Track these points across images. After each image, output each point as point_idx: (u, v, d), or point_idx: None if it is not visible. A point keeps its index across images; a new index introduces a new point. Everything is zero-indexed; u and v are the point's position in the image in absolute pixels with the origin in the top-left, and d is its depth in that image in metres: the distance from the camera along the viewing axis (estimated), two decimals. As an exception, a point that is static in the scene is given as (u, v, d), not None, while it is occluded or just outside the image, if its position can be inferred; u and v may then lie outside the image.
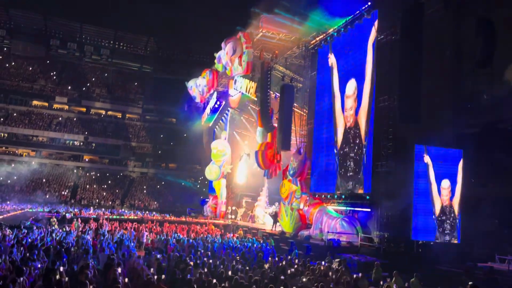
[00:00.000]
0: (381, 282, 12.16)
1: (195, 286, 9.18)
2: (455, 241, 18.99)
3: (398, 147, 18.99)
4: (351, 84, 22.45)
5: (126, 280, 9.52)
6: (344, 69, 23.45)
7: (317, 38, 26.25)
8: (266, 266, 13.30)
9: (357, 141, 21.54)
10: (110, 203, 48.65)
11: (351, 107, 22.34)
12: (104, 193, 51.10)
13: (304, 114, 28.00)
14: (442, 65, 20.36)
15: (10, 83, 58.81)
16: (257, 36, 27.91)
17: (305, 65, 27.82)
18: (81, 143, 57.78)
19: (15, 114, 56.42)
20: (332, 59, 24.55)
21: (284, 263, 13.90)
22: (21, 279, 8.18)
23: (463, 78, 20.78)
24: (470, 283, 6.94)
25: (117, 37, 65.86)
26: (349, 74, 22.85)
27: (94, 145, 58.32)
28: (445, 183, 19.03)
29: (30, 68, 62.22)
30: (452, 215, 19.05)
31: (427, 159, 18.85)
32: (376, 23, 20.74)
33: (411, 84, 17.91)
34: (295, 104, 27.32)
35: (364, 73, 21.41)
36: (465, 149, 19.23)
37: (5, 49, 63.13)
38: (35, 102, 59.28)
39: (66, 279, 9.05)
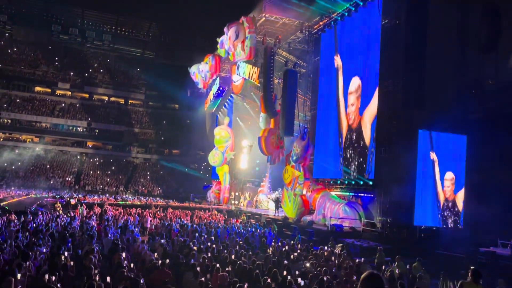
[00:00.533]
0: (384, 267, 12.24)
1: (199, 270, 9.26)
2: (458, 226, 19.09)
3: (402, 132, 18.91)
4: (355, 81, 22.29)
5: (132, 265, 9.61)
6: (348, 61, 23.27)
7: (321, 23, 25.98)
8: (269, 251, 13.40)
9: (361, 144, 21.48)
10: (114, 189, 48.96)
11: (353, 103, 22.21)
12: (108, 179, 51.37)
13: (308, 99, 27.87)
14: (447, 49, 20.16)
15: (13, 68, 58.73)
16: (260, 21, 27.62)
17: (309, 50, 27.58)
18: (84, 129, 57.90)
19: (18, 100, 56.45)
20: (338, 61, 24.31)
21: (287, 248, 13.99)
22: (27, 263, 8.27)
23: (468, 63, 20.58)
24: (472, 267, 6.94)
25: (119, 23, 65.41)
26: (353, 71, 22.72)
27: (97, 131, 58.43)
28: (449, 175, 19.02)
29: (32, 54, 62.06)
30: (456, 209, 19.06)
31: (433, 156, 18.79)
32: (380, 7, 20.45)
33: (416, 68, 17.77)
34: (298, 90, 27.16)
35: (366, 68, 21.22)
36: (470, 135, 19.17)
37: (7, 34, 62.89)
38: (37, 88, 59.27)
39: (72, 263, 9.15)
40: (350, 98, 22.57)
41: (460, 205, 19.17)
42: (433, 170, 18.80)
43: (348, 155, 22.50)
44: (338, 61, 24.30)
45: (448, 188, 19.02)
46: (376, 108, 20.31)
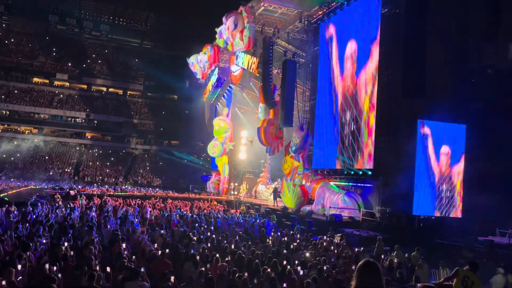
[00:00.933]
0: (383, 256, 12.31)
1: (199, 260, 9.30)
2: (456, 215, 19.18)
3: (401, 122, 18.90)
4: (351, 45, 22.17)
5: (134, 258, 9.63)
6: (345, 40, 23.18)
7: (320, 12, 25.80)
8: (269, 241, 13.44)
9: (358, 110, 21.32)
10: (114, 180, 48.98)
11: (349, 68, 22.08)
12: (107, 170, 51.39)
13: (307, 89, 27.78)
14: (447, 38, 20.04)
15: (10, 59, 58.39)
16: (259, 10, 27.43)
17: (308, 39, 27.41)
18: (83, 120, 57.77)
19: (16, 91, 56.21)
20: (331, 30, 24.30)
21: (286, 238, 14.04)
22: (27, 253, 8.29)
23: (468, 51, 20.48)
24: (470, 261, 7.02)
25: (117, 13, 64.87)
26: (348, 36, 22.72)
27: (96, 122, 58.31)
28: (445, 148, 19.06)
29: (30, 45, 61.61)
30: (452, 185, 19.12)
31: (425, 130, 18.81)
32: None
33: (416, 58, 17.66)
34: (297, 80, 27.05)
35: (367, 49, 21.09)
36: (469, 124, 19.16)
37: (3, 25, 62.36)
38: (35, 79, 58.97)
39: (72, 253, 9.19)
40: (346, 63, 22.46)
41: (456, 180, 19.19)
42: (426, 145, 18.81)
43: (347, 144, 22.43)
44: (331, 30, 24.23)
45: (444, 162, 19.04)
46: (374, 70, 20.11)
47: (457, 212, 19.23)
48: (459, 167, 19.29)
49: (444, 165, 19.11)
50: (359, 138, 21.51)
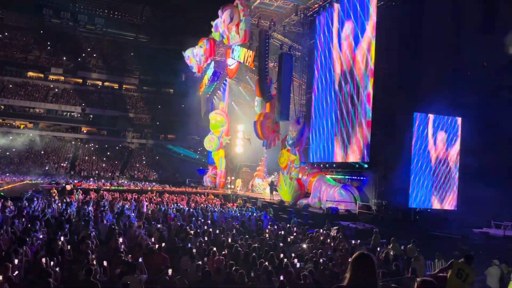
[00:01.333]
0: (379, 249, 12.37)
1: (196, 254, 9.31)
2: (452, 208, 19.31)
3: (397, 115, 18.93)
4: (348, 26, 22.25)
5: (130, 256, 9.63)
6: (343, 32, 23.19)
7: (316, 5, 25.69)
8: (266, 234, 13.48)
9: (354, 102, 21.32)
10: (110, 174, 48.87)
11: (348, 45, 22.14)
12: (104, 165, 51.24)
13: (303, 83, 27.72)
14: (443, 31, 20.04)
15: (4, 54, 57.91)
16: (255, 3, 27.29)
17: (304, 32, 27.33)
18: (79, 115, 57.50)
19: (10, 86, 55.82)
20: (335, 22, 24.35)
21: (283, 232, 14.07)
22: (24, 248, 8.28)
23: (464, 44, 20.51)
24: (466, 254, 7.10)
25: (112, 6, 64.38)
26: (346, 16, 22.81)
27: (91, 116, 58.02)
28: (440, 134, 19.34)
29: (24, 39, 61.12)
30: (448, 167, 19.38)
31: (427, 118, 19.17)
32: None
33: (411, 51, 17.69)
34: (293, 73, 26.98)
35: (362, 37, 21.06)
36: (465, 117, 19.25)
37: (-3, 19, 61.87)
38: (30, 74, 58.54)
39: (69, 247, 9.19)
40: (343, 44, 22.58)
41: (452, 162, 19.46)
42: (426, 128, 19.16)
43: (343, 125, 22.40)
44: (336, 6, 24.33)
45: (440, 146, 19.35)
46: (369, 42, 20.12)
47: (453, 198, 19.50)
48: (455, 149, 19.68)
49: (441, 150, 19.45)
50: (356, 130, 21.52)
